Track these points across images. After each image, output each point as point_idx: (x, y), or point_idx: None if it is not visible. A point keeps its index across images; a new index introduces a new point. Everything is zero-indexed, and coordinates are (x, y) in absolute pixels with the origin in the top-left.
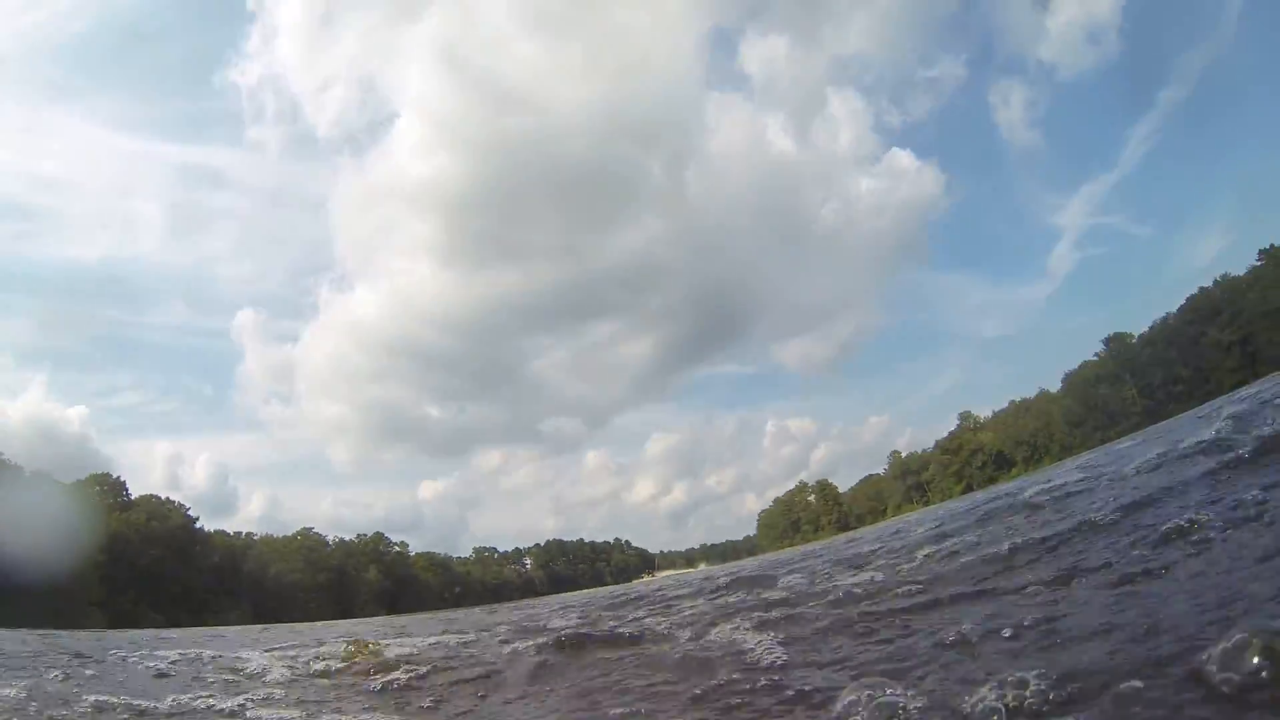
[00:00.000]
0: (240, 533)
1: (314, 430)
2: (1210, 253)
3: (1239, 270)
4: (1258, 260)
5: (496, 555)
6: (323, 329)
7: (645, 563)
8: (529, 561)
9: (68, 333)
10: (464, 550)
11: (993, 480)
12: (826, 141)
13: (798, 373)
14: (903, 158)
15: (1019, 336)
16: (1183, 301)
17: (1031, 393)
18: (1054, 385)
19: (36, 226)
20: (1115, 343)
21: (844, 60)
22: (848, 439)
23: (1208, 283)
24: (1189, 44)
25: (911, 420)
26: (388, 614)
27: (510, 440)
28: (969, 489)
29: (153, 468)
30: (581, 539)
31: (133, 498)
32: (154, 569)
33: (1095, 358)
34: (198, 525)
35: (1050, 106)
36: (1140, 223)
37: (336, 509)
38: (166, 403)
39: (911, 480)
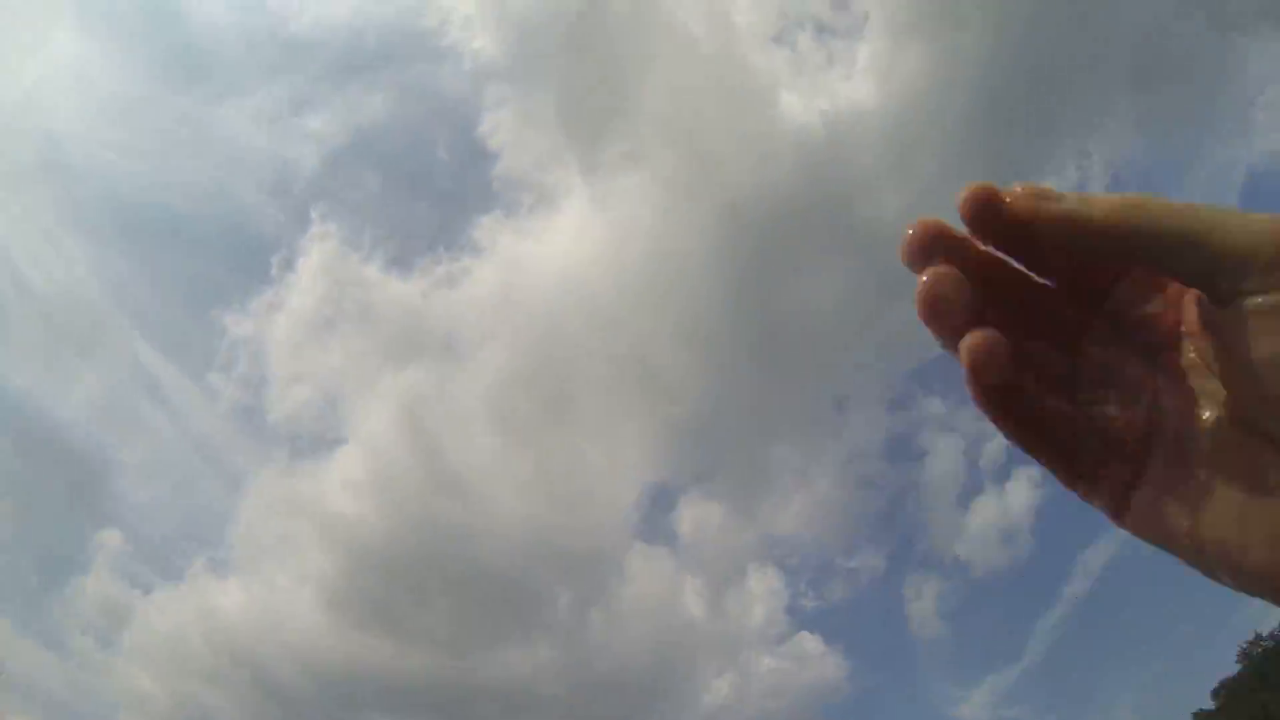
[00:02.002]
0: None
1: (115, 693)
2: None
3: None
4: None
5: None
6: (179, 599)
7: None
8: None
9: None
10: None
11: None
12: (738, 613)
13: None
14: (810, 642)
15: None
16: None
17: None
18: None
19: None
20: None
21: (773, 539)
22: None
23: None
24: (1091, 540)
25: None
26: None
27: None
28: None
29: None
30: None
31: None
32: None
33: None
34: None
35: (962, 601)
36: (1045, 713)
37: None
38: None
39: None
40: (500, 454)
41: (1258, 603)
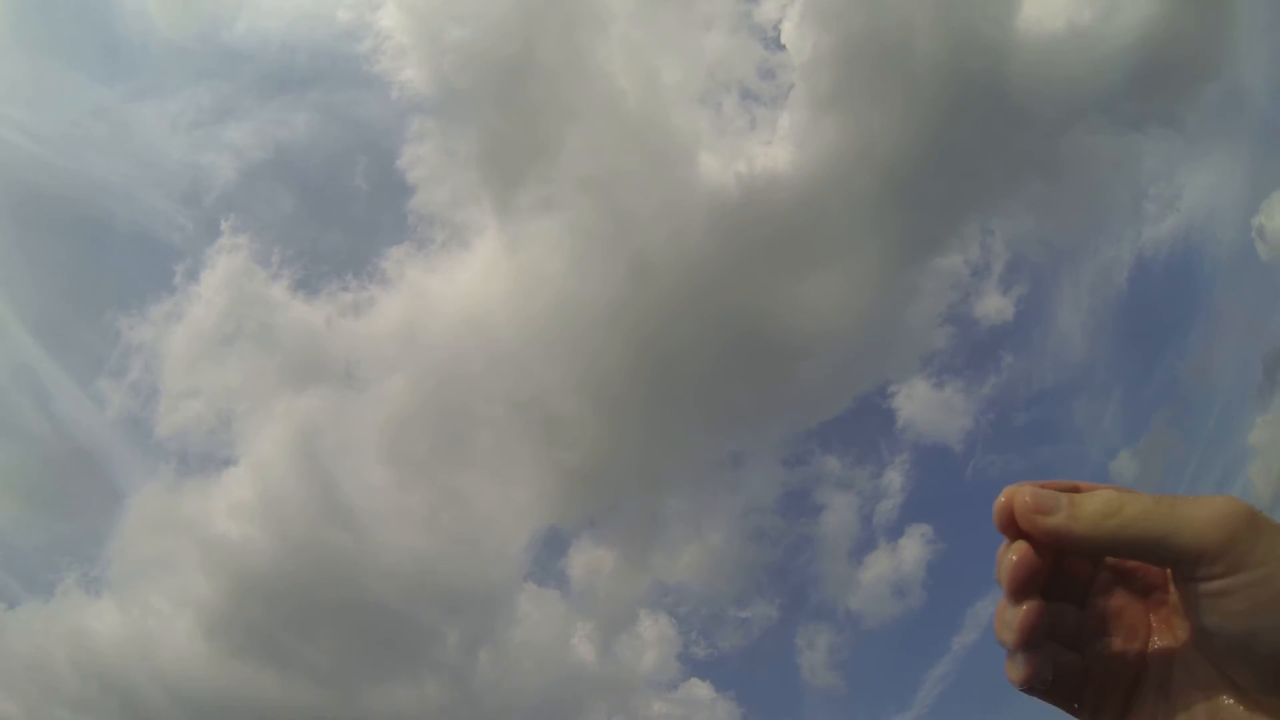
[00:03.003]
0: None
1: None
2: None
3: None
4: None
5: None
6: (44, 616)
7: None
8: None
9: None
10: None
11: None
12: (629, 658)
13: None
14: (701, 688)
15: None
16: None
17: None
18: None
19: None
20: None
21: (665, 587)
22: None
23: None
24: (980, 594)
25: None
26: None
27: None
28: None
29: None
30: None
31: None
32: None
33: None
34: None
35: (853, 651)
36: None
37: None
38: None
39: None
40: (393, 487)
41: None
